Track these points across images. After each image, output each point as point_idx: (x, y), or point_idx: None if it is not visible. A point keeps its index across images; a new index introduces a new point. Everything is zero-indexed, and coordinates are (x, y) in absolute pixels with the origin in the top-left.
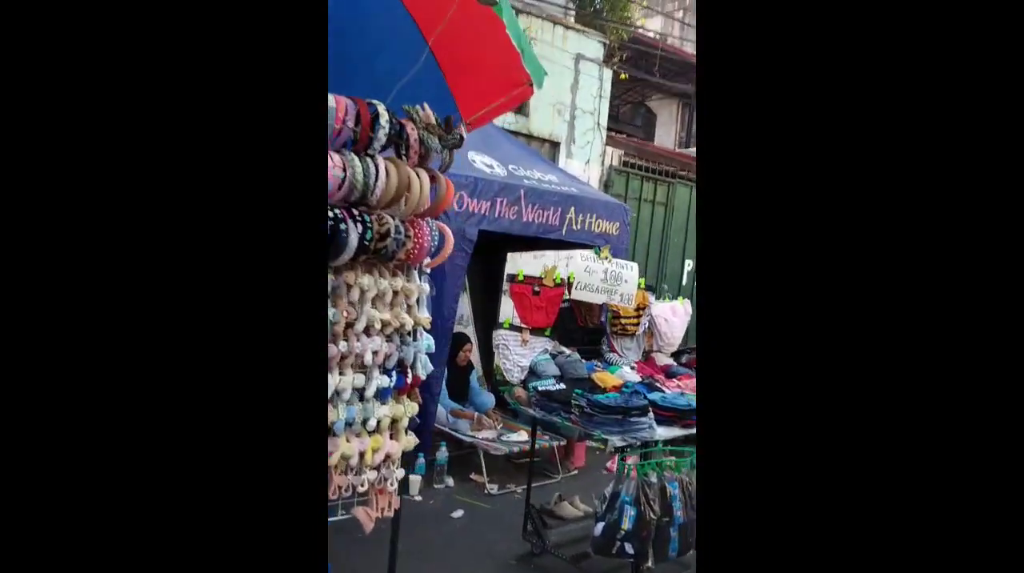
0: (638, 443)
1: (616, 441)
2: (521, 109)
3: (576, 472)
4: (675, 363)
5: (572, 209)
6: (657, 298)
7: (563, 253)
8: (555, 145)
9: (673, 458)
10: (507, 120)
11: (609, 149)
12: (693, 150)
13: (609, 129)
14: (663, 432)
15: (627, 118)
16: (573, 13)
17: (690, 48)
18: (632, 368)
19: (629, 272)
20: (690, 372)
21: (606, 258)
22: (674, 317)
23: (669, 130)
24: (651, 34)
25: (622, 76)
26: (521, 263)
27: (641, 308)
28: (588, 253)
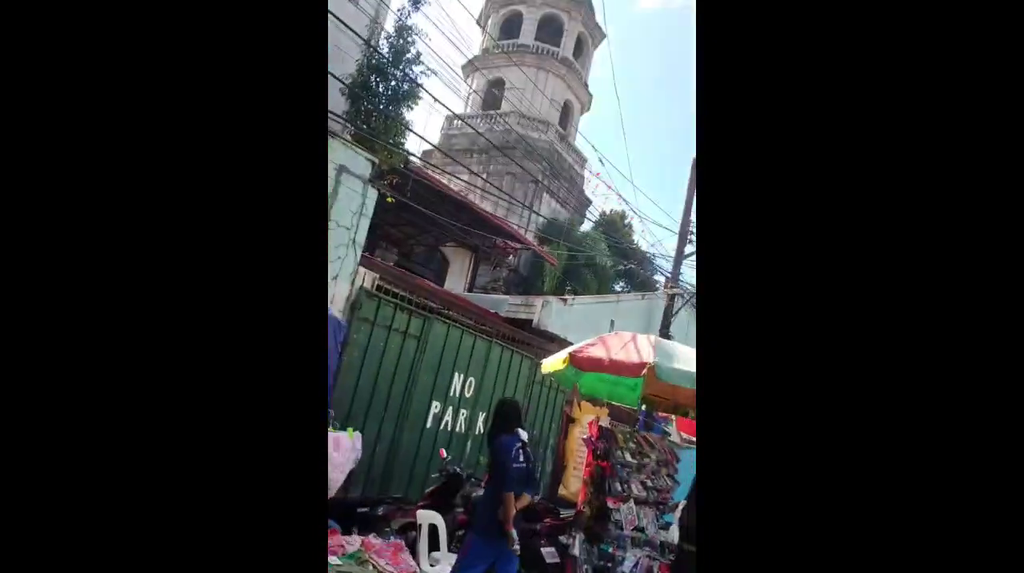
0: None
1: None
2: None
3: None
4: None
5: None
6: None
7: None
8: None
9: None
10: None
11: (363, 270)
12: (466, 294)
13: (367, 252)
14: None
15: (420, 259)
16: (351, 130)
17: (484, 204)
18: None
19: None
20: None
21: None
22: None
23: (459, 278)
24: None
25: (388, 199)
26: None
27: None
28: None
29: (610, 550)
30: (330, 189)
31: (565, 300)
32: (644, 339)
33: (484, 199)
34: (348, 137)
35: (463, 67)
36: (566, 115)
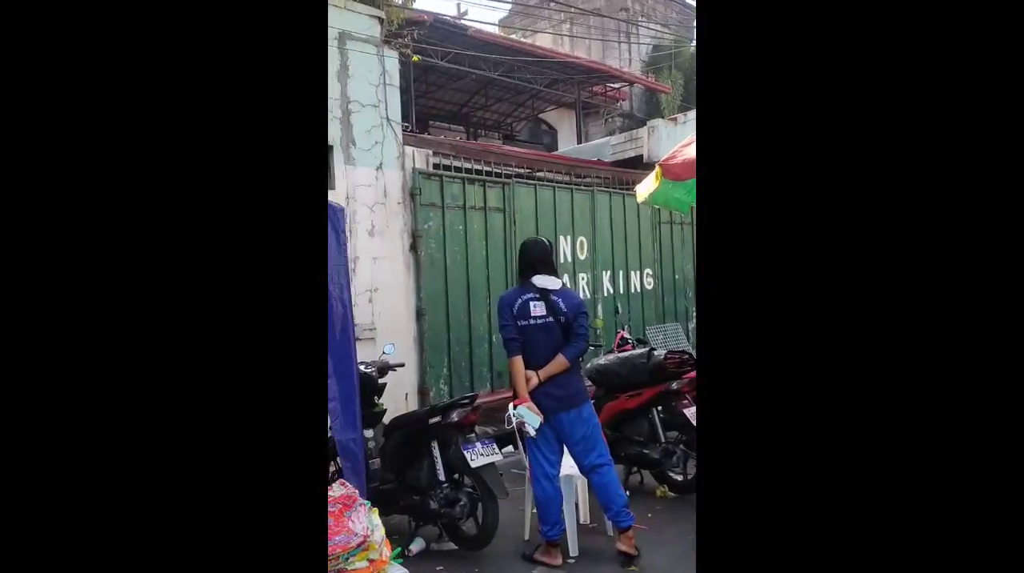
0: None
1: None
2: None
3: None
4: None
5: None
6: None
7: None
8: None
9: None
10: None
11: (409, 149)
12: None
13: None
14: None
15: (526, 135)
16: None
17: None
18: None
19: None
20: None
21: None
22: None
23: (571, 143)
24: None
25: (414, 58)
26: None
27: None
28: None
29: None
30: (337, 64)
31: (676, 119)
32: None
33: (576, 48)
34: None
35: None
36: None
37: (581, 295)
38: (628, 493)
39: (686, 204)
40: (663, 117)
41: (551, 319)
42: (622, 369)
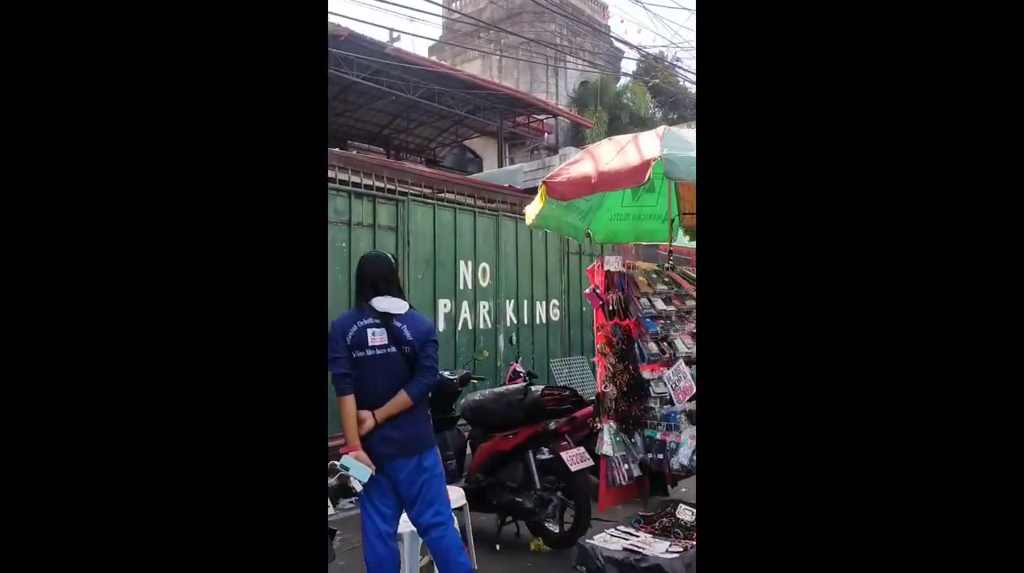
0: None
1: None
2: None
3: None
4: None
5: None
6: None
7: None
8: None
9: None
10: None
11: None
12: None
13: None
14: None
15: (451, 162)
16: None
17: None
18: None
19: None
20: None
21: None
22: None
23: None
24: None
25: None
26: None
27: None
28: None
29: (658, 436)
30: None
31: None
32: (649, 134)
33: (504, 78)
34: None
35: None
36: None
37: (482, 324)
38: (499, 547)
39: (580, 230)
40: None
41: (393, 349)
42: (496, 406)
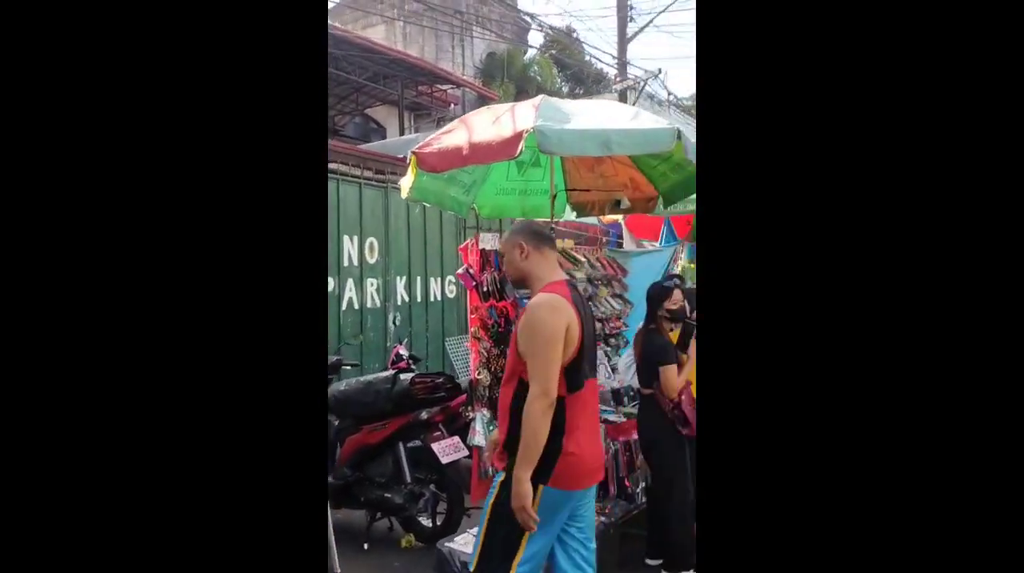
0: None
1: None
2: None
3: None
4: None
5: None
6: None
7: None
8: None
9: None
10: None
11: None
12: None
13: None
14: None
15: (353, 132)
16: None
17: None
18: None
19: None
20: None
21: None
22: None
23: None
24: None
25: None
26: None
27: None
28: None
29: None
30: None
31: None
32: (526, 104)
33: (408, 46)
34: None
35: None
36: None
37: (369, 303)
38: (367, 546)
39: (464, 205)
40: None
41: None
42: (364, 396)
